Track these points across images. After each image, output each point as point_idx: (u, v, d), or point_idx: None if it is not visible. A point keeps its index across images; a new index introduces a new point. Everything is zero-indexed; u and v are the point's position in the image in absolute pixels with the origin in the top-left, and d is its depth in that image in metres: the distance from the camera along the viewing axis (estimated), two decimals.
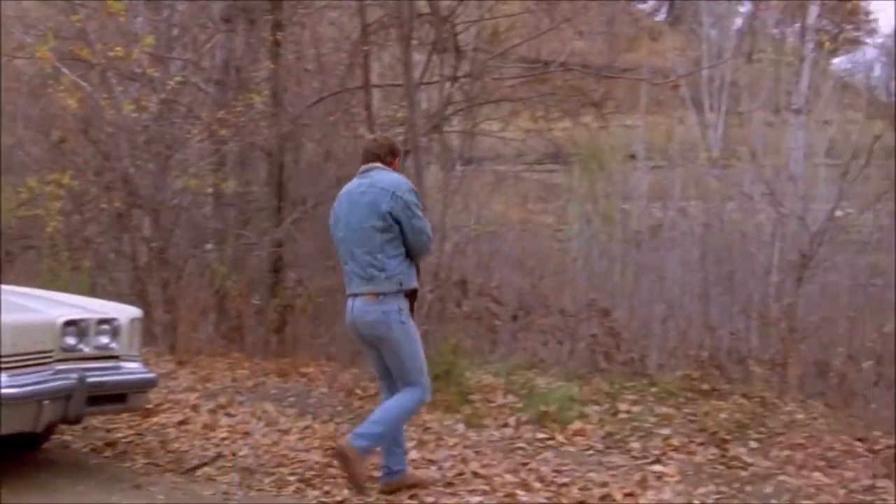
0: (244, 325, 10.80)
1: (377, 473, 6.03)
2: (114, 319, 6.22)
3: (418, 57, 11.59)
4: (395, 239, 5.72)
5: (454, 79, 9.86)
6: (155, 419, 7.52)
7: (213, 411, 7.77)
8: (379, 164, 5.96)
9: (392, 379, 6.00)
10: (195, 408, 7.86)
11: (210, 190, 11.87)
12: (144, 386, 6.43)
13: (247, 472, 6.27)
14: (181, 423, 7.48)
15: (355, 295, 5.79)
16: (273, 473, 6.28)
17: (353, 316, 5.81)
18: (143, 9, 12.17)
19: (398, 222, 5.71)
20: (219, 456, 6.65)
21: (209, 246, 12.16)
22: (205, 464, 6.46)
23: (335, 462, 6.01)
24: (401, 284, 5.71)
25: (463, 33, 10.64)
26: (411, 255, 5.83)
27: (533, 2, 11.67)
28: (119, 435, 7.15)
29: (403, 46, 8.56)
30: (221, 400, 8.09)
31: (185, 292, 10.84)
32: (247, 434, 7.16)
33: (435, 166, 11.70)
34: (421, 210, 5.87)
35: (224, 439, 7.06)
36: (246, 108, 11.21)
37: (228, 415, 7.70)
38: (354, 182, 6.02)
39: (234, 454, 6.68)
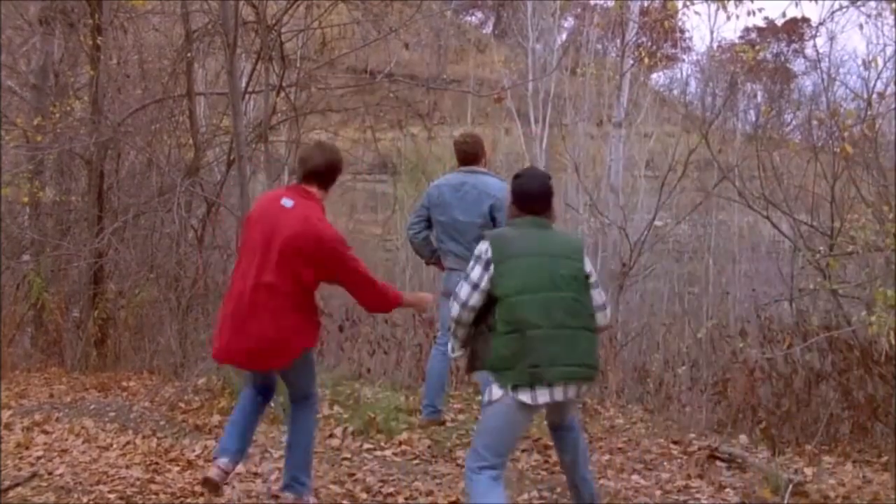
0: (63, 339, 10.49)
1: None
2: None
3: (245, 65, 11.48)
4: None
5: (280, 88, 9.78)
6: None
7: (28, 429, 7.48)
8: (479, 167, 7.32)
9: None
10: (8, 426, 7.55)
11: (26, 199, 11.47)
12: None
13: (64, 492, 6.08)
14: None
15: (453, 269, 7.13)
16: (92, 492, 6.10)
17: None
18: None
19: (493, 219, 7.01)
20: (34, 475, 6.40)
21: (26, 257, 11.76)
22: (18, 484, 6.22)
23: None
24: None
25: (290, 42, 10.57)
26: None
27: (360, 12, 11.68)
28: None
29: (229, 54, 8.44)
30: (37, 417, 7.80)
31: None
32: (64, 452, 6.93)
33: (262, 175, 11.59)
34: None
35: (40, 458, 6.81)
36: (65, 115, 10.88)
37: (45, 432, 7.43)
38: (455, 176, 7.38)
39: (50, 473, 6.46)
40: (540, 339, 4.86)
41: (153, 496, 6.00)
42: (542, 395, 4.85)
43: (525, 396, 4.83)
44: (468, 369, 5.45)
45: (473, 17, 48.24)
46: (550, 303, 4.94)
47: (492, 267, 4.98)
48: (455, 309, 5.07)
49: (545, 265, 5.01)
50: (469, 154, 7.36)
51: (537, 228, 5.17)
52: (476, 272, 5.01)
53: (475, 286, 5.00)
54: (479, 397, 7.91)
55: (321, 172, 5.56)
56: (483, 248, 5.07)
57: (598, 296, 5.14)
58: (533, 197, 5.23)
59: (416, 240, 7.53)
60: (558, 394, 4.89)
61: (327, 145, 5.97)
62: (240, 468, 6.40)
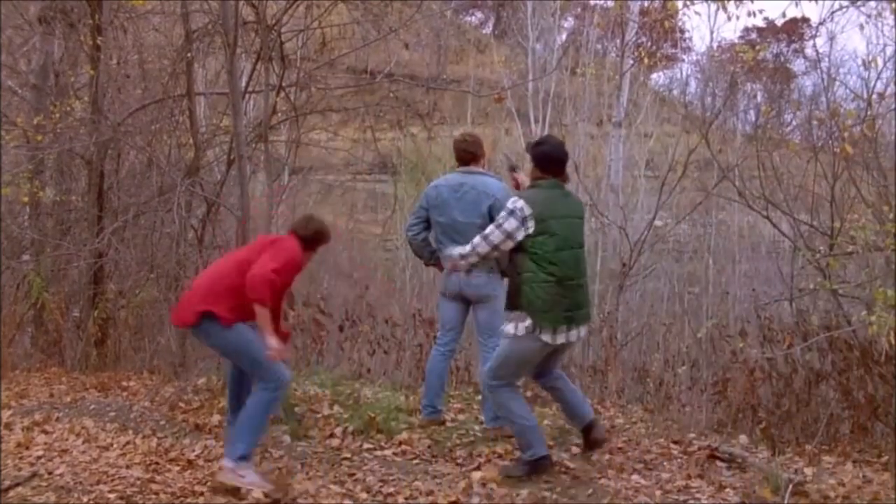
0: (63, 339, 10.48)
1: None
2: None
3: (245, 65, 11.47)
4: None
5: (280, 88, 9.77)
6: None
7: (28, 428, 7.47)
8: (478, 168, 7.32)
9: (456, 335, 7.53)
10: (9, 426, 7.54)
11: (26, 199, 11.47)
12: None
13: (64, 492, 6.07)
14: None
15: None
16: (92, 491, 6.10)
17: (460, 284, 7.20)
18: None
19: (492, 220, 6.68)
20: (34, 475, 6.40)
21: (26, 257, 11.75)
22: (18, 484, 6.22)
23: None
24: (491, 269, 7.03)
25: (290, 42, 10.56)
26: None
27: (360, 12, 11.68)
28: None
29: (229, 54, 8.43)
30: (38, 416, 7.79)
31: None
32: (64, 451, 6.93)
33: (262, 175, 11.59)
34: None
35: (40, 458, 6.80)
36: (65, 115, 10.88)
37: (45, 432, 7.42)
38: (453, 176, 7.36)
39: (50, 473, 6.45)
40: (572, 288, 6.06)
41: (153, 496, 6.00)
42: (561, 337, 6.07)
43: (548, 337, 6.00)
44: (507, 307, 6.25)
45: (473, 17, 48.31)
46: (578, 258, 6.17)
47: (529, 223, 5.98)
48: (484, 248, 6.14)
49: (573, 225, 6.18)
50: (468, 154, 7.36)
51: (560, 190, 6.22)
52: (511, 224, 6.01)
53: (509, 235, 6.02)
54: (479, 397, 7.94)
55: (303, 237, 6.46)
56: (519, 204, 6.03)
57: None
58: (558, 161, 6.25)
59: (415, 241, 7.51)
60: (573, 335, 6.17)
61: (316, 220, 6.76)
62: None
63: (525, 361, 6.22)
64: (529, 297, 5.99)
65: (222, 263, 6.56)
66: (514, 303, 6.12)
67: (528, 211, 5.99)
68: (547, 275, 5.97)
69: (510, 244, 6.04)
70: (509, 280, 6.26)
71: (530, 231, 6.00)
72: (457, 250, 6.39)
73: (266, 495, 5.94)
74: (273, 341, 5.99)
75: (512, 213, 6.01)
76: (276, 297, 6.22)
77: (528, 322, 6.00)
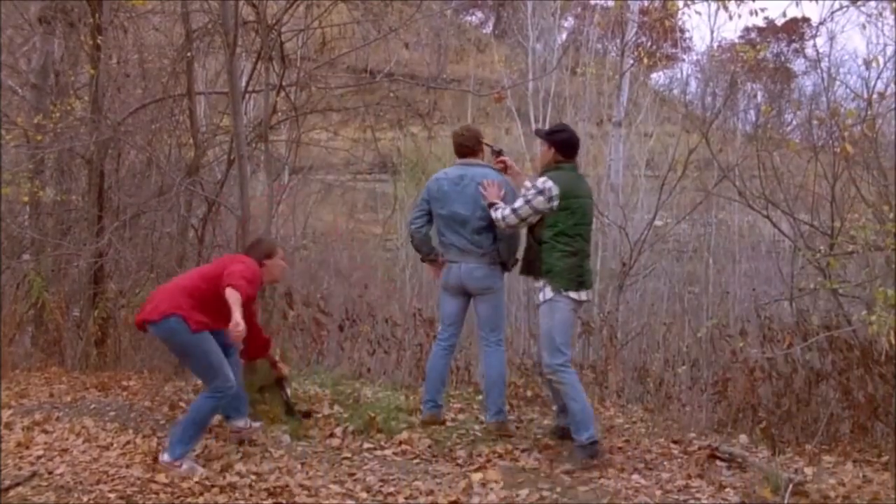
0: (63, 339, 10.46)
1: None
2: None
3: (245, 65, 11.46)
4: (489, 224, 7.18)
5: (280, 87, 9.76)
6: None
7: (28, 428, 7.46)
8: (477, 160, 7.49)
9: (457, 329, 7.62)
10: (9, 425, 7.53)
11: (26, 198, 11.45)
12: None
13: (64, 491, 6.08)
14: None
15: (455, 262, 7.36)
16: (92, 491, 6.10)
17: (461, 277, 7.35)
18: None
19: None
20: (34, 475, 6.40)
21: (26, 257, 11.74)
22: (18, 484, 6.22)
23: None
24: (492, 262, 7.31)
25: (290, 42, 10.55)
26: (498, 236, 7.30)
27: (360, 12, 11.68)
28: None
29: (228, 54, 8.43)
30: (38, 416, 7.78)
31: None
32: (65, 451, 6.93)
33: (262, 174, 11.59)
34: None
35: (40, 457, 6.80)
36: (65, 114, 10.87)
37: (45, 431, 7.41)
38: (454, 169, 7.47)
39: (50, 472, 6.46)
40: (584, 257, 6.87)
41: (153, 495, 6.00)
42: (584, 295, 6.83)
43: (575, 294, 6.74)
44: (523, 272, 7.11)
45: (473, 17, 48.27)
46: (590, 232, 7.02)
47: (555, 201, 6.68)
48: (513, 219, 6.82)
49: (588, 205, 6.95)
50: (465, 147, 7.50)
51: (577, 173, 7.00)
52: (539, 201, 6.72)
53: (537, 211, 6.75)
54: (479, 397, 7.94)
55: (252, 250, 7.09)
56: (548, 185, 6.71)
57: None
58: (574, 147, 7.01)
59: (418, 234, 7.55)
60: (590, 294, 7.01)
61: (264, 240, 7.42)
62: (240, 468, 6.42)
63: (567, 322, 6.83)
64: (548, 263, 6.74)
65: (187, 275, 7.12)
66: (535, 269, 6.88)
67: (555, 191, 6.70)
68: (564, 245, 6.72)
69: (536, 219, 6.80)
70: (528, 248, 6.99)
71: (554, 207, 6.70)
72: (495, 214, 6.94)
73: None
74: (239, 317, 6.16)
75: (541, 192, 6.71)
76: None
77: (551, 285, 6.73)
